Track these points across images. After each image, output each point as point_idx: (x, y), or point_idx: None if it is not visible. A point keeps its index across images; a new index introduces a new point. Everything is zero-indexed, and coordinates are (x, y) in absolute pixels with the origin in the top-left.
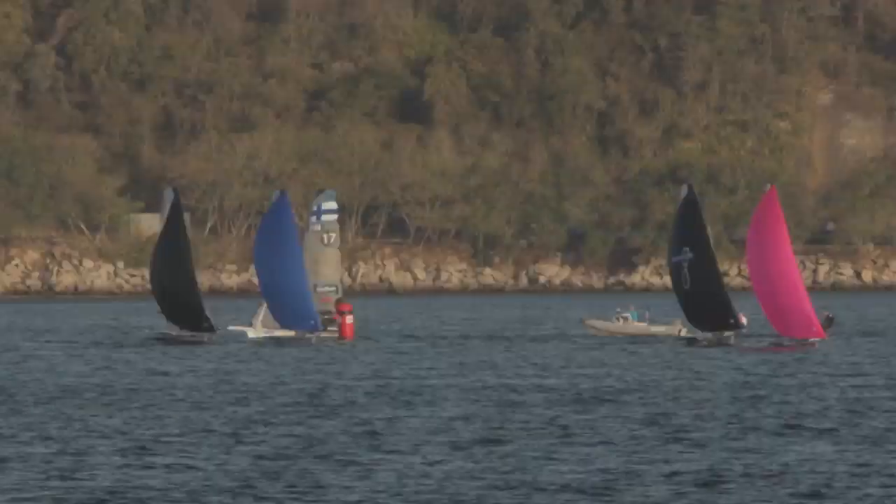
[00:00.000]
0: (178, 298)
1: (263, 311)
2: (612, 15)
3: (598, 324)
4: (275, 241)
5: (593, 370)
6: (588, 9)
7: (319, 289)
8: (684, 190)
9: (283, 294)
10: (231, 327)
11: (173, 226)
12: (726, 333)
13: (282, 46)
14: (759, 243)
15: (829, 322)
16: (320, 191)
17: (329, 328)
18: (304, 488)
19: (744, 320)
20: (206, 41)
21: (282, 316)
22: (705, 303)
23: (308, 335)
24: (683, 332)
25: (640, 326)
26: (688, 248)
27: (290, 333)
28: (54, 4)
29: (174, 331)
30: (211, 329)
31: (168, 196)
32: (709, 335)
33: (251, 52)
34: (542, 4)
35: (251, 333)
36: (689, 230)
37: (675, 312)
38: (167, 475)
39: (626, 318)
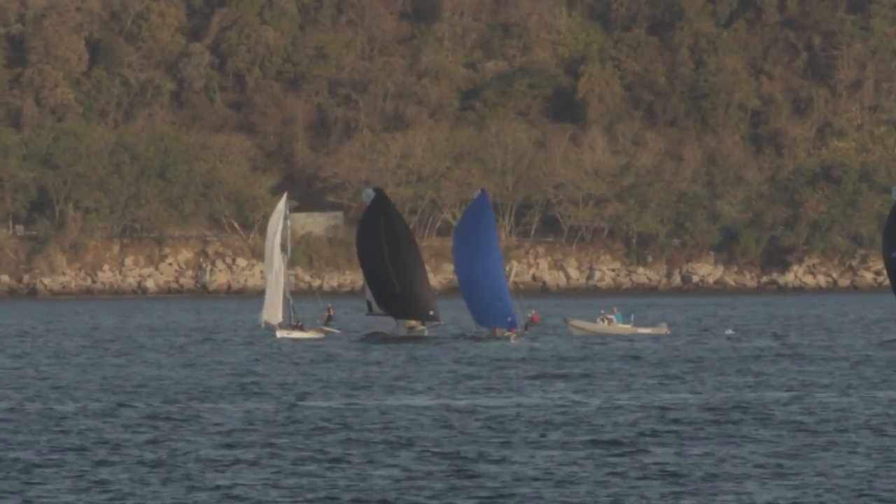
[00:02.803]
0: (409, 290)
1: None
2: (766, 14)
3: (583, 324)
4: (474, 240)
5: None
6: (742, 8)
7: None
8: None
9: (481, 292)
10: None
11: (391, 222)
12: None
13: (436, 45)
14: None
15: None
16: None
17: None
18: None
19: None
20: (360, 40)
21: (479, 314)
22: None
23: (507, 334)
24: (669, 333)
25: (625, 328)
26: None
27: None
28: (208, 4)
29: (387, 328)
30: (436, 319)
31: (368, 195)
32: None
33: (405, 52)
34: (696, 3)
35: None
36: None
37: (659, 314)
38: None
39: (610, 320)
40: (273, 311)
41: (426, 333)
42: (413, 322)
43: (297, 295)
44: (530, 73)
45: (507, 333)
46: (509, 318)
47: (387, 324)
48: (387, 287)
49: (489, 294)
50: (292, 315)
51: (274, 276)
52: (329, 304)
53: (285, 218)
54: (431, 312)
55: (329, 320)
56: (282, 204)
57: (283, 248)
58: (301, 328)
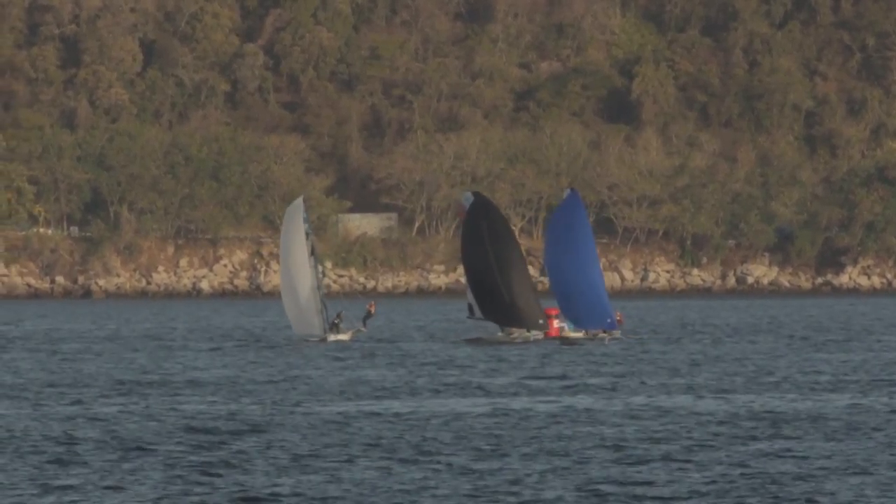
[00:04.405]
0: (518, 298)
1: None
2: (821, 15)
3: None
4: (567, 240)
5: None
6: (796, 8)
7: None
8: None
9: (577, 294)
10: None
11: (494, 227)
12: None
13: (490, 46)
14: None
15: None
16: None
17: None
18: None
19: None
20: (415, 41)
21: (576, 315)
22: None
23: (602, 335)
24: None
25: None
26: None
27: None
28: (262, 4)
29: (487, 333)
30: (545, 327)
31: (467, 199)
32: None
33: (459, 52)
34: (750, 4)
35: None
36: None
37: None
38: None
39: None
40: (308, 320)
41: (532, 339)
42: (514, 329)
43: (348, 298)
44: (584, 73)
45: (601, 335)
46: (608, 320)
47: (487, 329)
48: (495, 296)
49: (586, 295)
50: (327, 317)
51: (301, 283)
52: (371, 303)
53: (305, 221)
54: (541, 321)
55: (367, 317)
56: (300, 203)
57: (312, 253)
58: (338, 327)
